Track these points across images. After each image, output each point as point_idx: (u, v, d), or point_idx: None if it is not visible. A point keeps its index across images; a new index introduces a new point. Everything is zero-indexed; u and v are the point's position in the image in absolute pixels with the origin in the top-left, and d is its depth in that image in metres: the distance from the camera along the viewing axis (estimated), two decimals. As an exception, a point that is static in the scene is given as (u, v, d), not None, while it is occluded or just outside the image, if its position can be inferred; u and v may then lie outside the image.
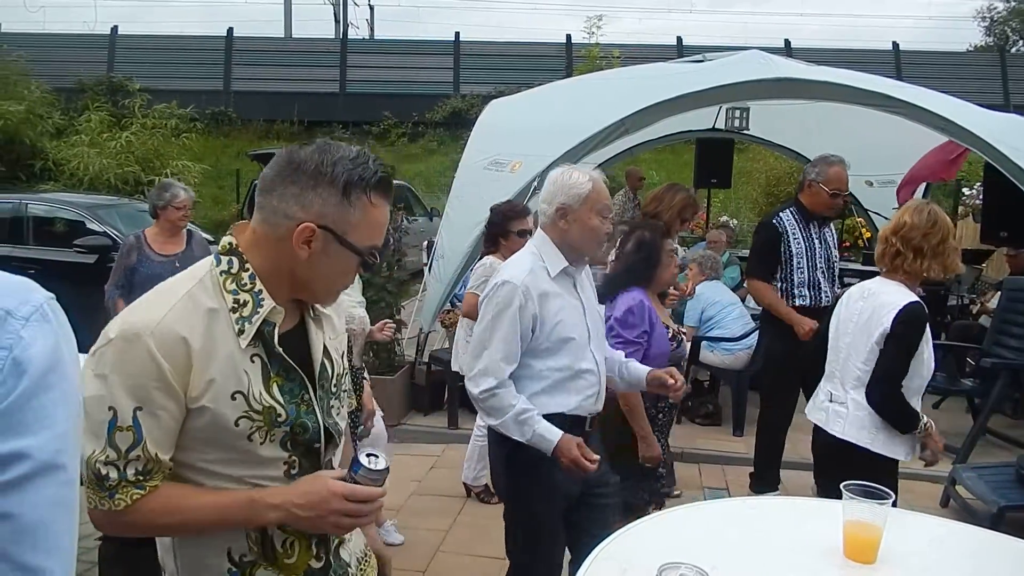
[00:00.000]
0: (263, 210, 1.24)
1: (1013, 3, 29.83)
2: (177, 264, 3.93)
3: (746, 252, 5.59)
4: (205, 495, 1.21)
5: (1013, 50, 27.22)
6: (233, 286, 1.22)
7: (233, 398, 1.19)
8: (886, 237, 2.56)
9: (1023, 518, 3.55)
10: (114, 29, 18.75)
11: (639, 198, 9.00)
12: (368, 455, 1.25)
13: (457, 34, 19.14)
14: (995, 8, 30.41)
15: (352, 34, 23.86)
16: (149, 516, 1.19)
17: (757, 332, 4.75)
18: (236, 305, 1.21)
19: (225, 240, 1.26)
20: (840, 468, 2.60)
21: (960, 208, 8.39)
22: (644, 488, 2.79)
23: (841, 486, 1.34)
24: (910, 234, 2.50)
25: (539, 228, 2.24)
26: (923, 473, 4.74)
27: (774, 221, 4.04)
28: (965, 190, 9.70)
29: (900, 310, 2.42)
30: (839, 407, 2.64)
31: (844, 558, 1.32)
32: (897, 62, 18.48)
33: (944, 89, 5.92)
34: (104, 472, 1.16)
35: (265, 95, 18.14)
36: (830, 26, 38.75)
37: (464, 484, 4.14)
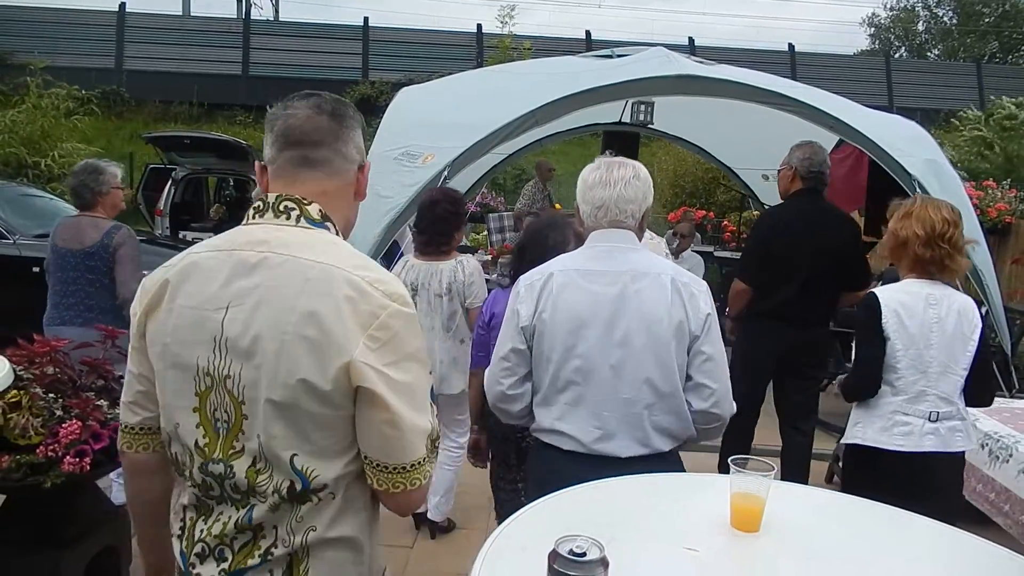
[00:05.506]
0: (327, 164, 1.24)
1: (895, 12, 31.85)
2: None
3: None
4: None
5: (896, 55, 29.08)
6: None
7: None
8: (932, 242, 2.43)
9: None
10: (-11, -2, 17.54)
11: (549, 189, 9.14)
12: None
13: (366, 19, 18.80)
14: (878, 16, 32.43)
15: (255, 15, 23.04)
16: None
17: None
18: None
19: (315, 209, 1.23)
20: (957, 483, 2.59)
21: (847, 203, 8.89)
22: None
23: (729, 460, 1.42)
24: (956, 236, 2.46)
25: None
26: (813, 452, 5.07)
27: None
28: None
29: (978, 304, 2.51)
30: (955, 423, 2.49)
31: (731, 527, 1.41)
32: (792, 63, 19.40)
33: (835, 90, 6.25)
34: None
35: (161, 75, 17.29)
36: (733, 27, 40.34)
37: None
